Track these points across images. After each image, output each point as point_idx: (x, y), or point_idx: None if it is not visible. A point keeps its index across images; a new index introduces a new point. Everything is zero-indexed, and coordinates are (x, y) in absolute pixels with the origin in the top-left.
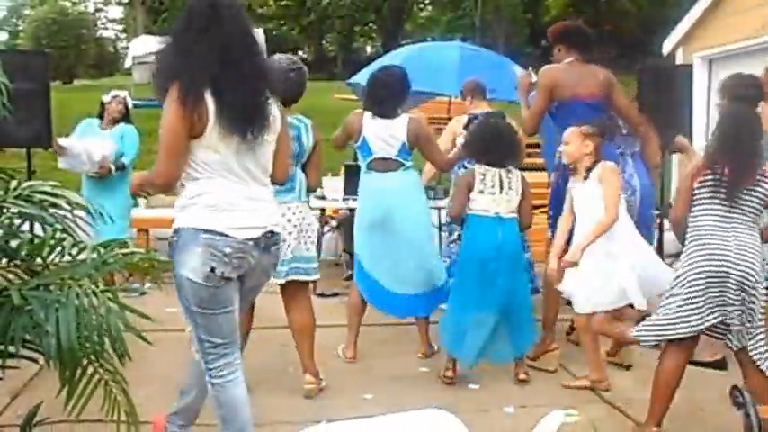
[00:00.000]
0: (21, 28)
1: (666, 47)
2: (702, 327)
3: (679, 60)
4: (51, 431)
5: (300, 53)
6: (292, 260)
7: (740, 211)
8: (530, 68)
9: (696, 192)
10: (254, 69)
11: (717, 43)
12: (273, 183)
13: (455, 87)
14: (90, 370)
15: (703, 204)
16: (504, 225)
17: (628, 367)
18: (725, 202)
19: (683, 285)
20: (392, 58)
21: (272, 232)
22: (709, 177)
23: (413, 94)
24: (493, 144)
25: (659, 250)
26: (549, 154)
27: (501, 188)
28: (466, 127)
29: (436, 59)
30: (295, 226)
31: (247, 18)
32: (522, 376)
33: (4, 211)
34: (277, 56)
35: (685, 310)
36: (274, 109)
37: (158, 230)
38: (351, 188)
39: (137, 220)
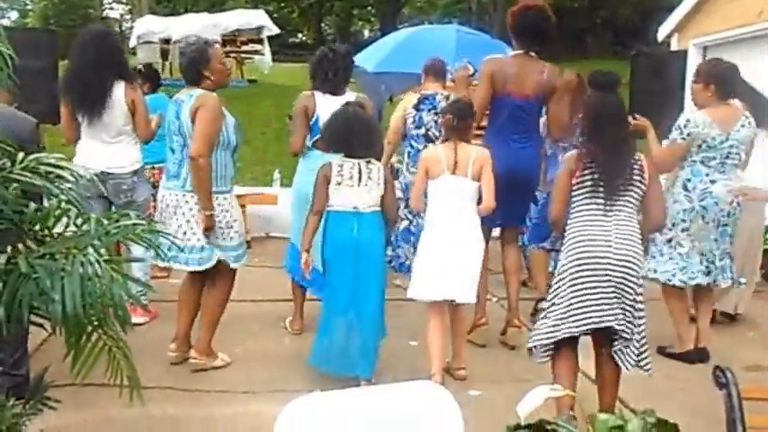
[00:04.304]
0: (30, 7)
1: (661, 33)
2: (583, 328)
3: (674, 47)
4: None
5: (300, 35)
6: (173, 248)
7: (619, 209)
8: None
9: (575, 191)
10: (93, 75)
11: (712, 30)
12: (143, 141)
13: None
14: (94, 337)
15: (582, 204)
16: (360, 219)
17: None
18: (604, 202)
19: (566, 287)
20: (390, 41)
21: (105, 172)
22: (588, 177)
23: (410, 76)
24: (348, 134)
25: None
26: None
27: (360, 180)
28: (416, 106)
29: (433, 42)
30: (174, 213)
31: (105, 43)
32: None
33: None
34: (192, 37)
35: (568, 313)
36: (116, 93)
37: None
38: None
39: None
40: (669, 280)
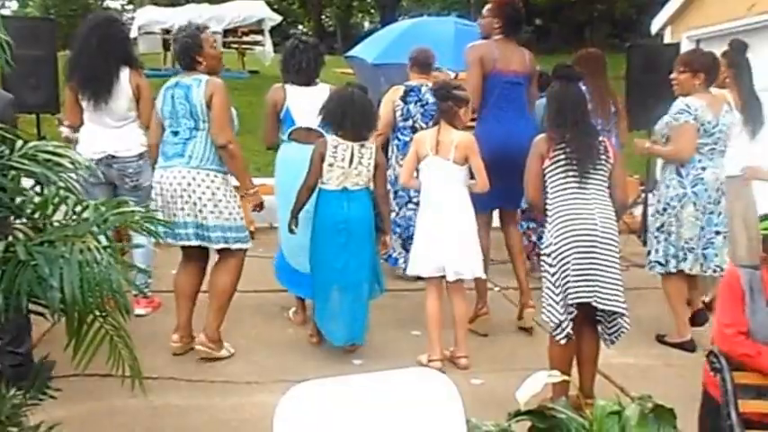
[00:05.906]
0: None
1: (655, 26)
2: (577, 301)
3: (667, 40)
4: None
5: (300, 27)
6: (182, 225)
7: (595, 186)
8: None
9: (549, 171)
10: (97, 60)
11: (704, 24)
12: (147, 126)
13: (450, 61)
14: (96, 325)
15: (560, 182)
16: (350, 196)
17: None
18: (579, 179)
19: (558, 263)
20: (389, 32)
21: (111, 155)
22: (560, 155)
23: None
24: (343, 116)
25: (643, 225)
26: None
27: (351, 163)
28: (403, 98)
29: (432, 34)
30: (176, 190)
31: (110, 29)
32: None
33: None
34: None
35: (566, 287)
36: (122, 78)
37: None
38: None
39: None
40: (652, 268)
